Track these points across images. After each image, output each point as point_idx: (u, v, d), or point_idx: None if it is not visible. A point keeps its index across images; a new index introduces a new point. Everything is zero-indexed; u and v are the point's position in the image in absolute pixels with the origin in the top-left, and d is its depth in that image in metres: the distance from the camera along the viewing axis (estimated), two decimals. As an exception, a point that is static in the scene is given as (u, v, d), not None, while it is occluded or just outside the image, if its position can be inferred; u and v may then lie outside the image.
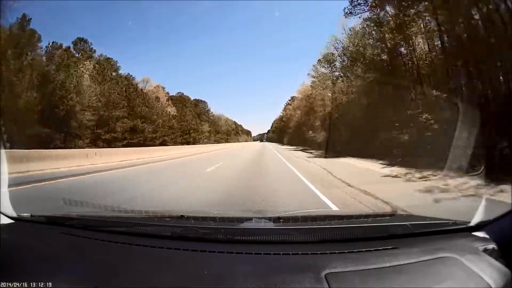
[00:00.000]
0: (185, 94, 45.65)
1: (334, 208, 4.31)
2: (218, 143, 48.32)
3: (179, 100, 42.79)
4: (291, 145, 41.72)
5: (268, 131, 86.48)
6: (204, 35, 57.30)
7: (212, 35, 55.62)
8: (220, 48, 61.15)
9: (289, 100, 51.51)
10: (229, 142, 58.64)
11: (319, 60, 24.75)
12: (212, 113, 54.18)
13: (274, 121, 74.86)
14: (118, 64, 30.80)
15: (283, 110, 57.17)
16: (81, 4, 33.85)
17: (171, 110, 36.29)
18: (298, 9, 54.90)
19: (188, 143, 35.50)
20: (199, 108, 49.47)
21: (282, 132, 57.36)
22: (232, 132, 68.40)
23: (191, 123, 40.10)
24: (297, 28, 59.00)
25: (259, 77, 75.01)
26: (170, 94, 41.82)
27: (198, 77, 59.31)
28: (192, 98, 47.84)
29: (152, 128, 28.96)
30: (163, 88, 38.85)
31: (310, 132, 28.87)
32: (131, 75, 31.75)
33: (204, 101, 52.34)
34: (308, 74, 27.40)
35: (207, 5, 47.94)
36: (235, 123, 72.30)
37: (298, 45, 63.82)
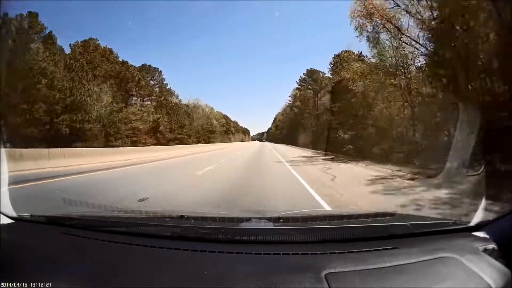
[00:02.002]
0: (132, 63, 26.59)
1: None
2: (182, 143, 27.48)
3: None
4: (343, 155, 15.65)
5: (269, 129, 71.24)
6: (204, 35, 57.02)
7: (212, 35, 55.41)
8: (220, 48, 61.10)
9: (301, 80, 33.70)
10: (213, 142, 38.22)
11: None
12: (168, 87, 32.04)
13: (277, 115, 56.65)
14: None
15: (295, 90, 36.59)
16: (81, 4, 33.36)
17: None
18: (298, 9, 54.73)
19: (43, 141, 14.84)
20: (131, 74, 26.11)
21: (293, 127, 37.04)
22: (222, 129, 49.25)
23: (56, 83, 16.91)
24: (297, 28, 58.79)
25: (258, 77, 75.08)
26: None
27: (198, 77, 58.68)
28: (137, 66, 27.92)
29: None
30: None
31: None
32: None
33: (156, 69, 30.79)
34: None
35: (207, 5, 47.44)
36: (225, 117, 52.50)
37: (298, 45, 63.84)
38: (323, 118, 22.50)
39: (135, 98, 26.95)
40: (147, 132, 25.00)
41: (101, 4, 37.48)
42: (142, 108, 26.51)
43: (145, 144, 22.75)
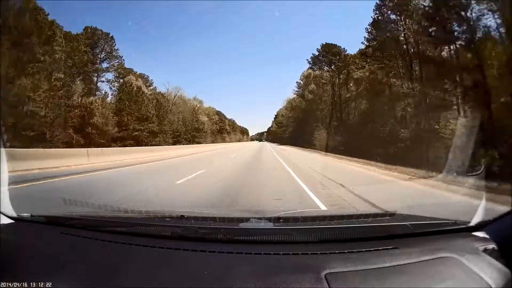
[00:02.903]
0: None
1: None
2: (139, 144, 18.86)
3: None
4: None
5: (269, 128, 65.08)
6: (204, 35, 57.34)
7: (212, 35, 56.05)
8: (220, 48, 61.63)
9: (313, 58, 25.58)
10: (200, 143, 29.14)
11: None
12: (122, 61, 21.88)
13: (279, 111, 48.34)
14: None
15: (308, 70, 28.54)
16: (80, 4, 33.38)
17: None
18: (298, 9, 54.86)
19: None
20: (39, 26, 14.65)
21: (304, 122, 27.61)
22: (215, 128, 41.77)
23: None
24: (297, 28, 58.91)
25: (258, 77, 75.56)
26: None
27: (198, 77, 58.48)
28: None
29: None
30: None
31: None
32: None
33: (105, 34, 21.24)
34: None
35: (207, 5, 47.74)
36: (218, 113, 45.34)
37: (298, 45, 64.09)
38: (372, 100, 12.27)
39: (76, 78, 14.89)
40: (58, 123, 14.24)
41: (101, 4, 37.52)
42: (60, 83, 14.43)
43: (51, 142, 12.86)
